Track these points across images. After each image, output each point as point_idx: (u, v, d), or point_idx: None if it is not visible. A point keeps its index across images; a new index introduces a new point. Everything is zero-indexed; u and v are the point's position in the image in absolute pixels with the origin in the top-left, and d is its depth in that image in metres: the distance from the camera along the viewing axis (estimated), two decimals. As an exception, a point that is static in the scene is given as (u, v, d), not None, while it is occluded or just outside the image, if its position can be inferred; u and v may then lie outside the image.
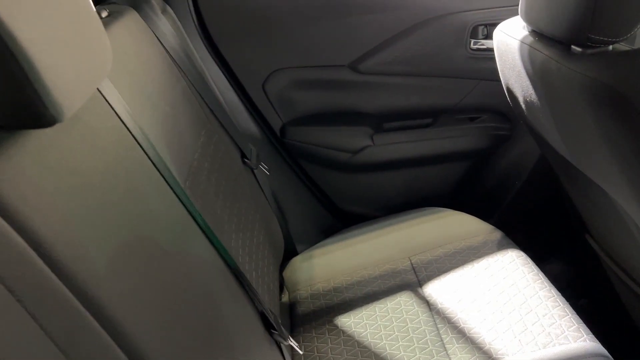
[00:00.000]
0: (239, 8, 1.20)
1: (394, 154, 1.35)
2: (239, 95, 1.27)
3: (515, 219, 1.40)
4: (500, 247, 1.05)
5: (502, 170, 1.40)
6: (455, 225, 1.15)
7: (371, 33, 1.22)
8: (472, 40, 1.21)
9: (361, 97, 1.30)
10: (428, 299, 0.97)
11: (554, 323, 0.84)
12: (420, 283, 1.01)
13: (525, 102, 0.90)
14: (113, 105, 0.60)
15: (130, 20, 0.81)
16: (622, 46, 0.73)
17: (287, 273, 1.13)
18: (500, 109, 1.30)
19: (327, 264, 1.13)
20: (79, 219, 0.46)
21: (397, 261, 1.08)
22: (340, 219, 1.44)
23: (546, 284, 0.94)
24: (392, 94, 1.30)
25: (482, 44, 1.21)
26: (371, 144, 1.31)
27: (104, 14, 0.77)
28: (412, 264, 1.06)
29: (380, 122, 1.33)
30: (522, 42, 0.83)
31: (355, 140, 1.32)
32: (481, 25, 1.19)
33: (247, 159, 1.07)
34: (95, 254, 0.46)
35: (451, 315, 0.92)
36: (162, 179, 0.64)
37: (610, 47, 0.70)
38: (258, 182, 1.09)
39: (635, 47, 1.14)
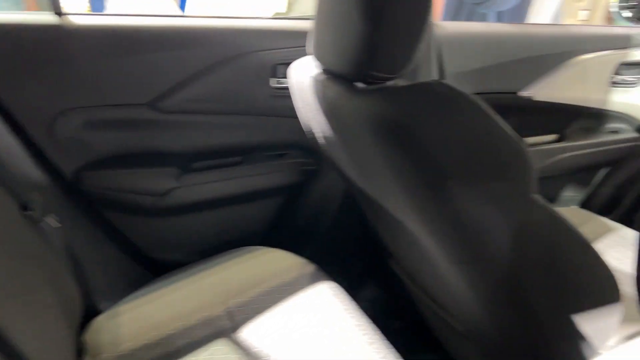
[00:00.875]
0: (16, 44, 1.07)
1: (205, 194, 1.30)
2: (20, 140, 1.11)
3: (328, 250, 1.44)
4: (313, 280, 1.06)
5: (313, 204, 1.43)
6: (270, 262, 1.14)
7: (170, 71, 1.17)
8: (274, 79, 1.23)
9: (165, 137, 1.24)
10: (243, 344, 0.93)
11: (364, 351, 0.86)
12: (236, 328, 0.97)
13: (323, 137, 0.92)
14: None
15: None
16: (401, 81, 0.78)
17: (88, 336, 1.00)
18: (306, 144, 1.34)
19: (136, 319, 1.02)
20: None
21: (212, 307, 1.02)
22: (150, 268, 1.34)
23: (357, 313, 0.97)
24: (199, 132, 1.26)
25: (283, 83, 1.23)
26: (178, 185, 1.25)
27: None
28: (227, 309, 1.02)
29: (188, 162, 1.28)
30: (315, 79, 0.86)
31: (160, 183, 1.24)
32: (281, 64, 1.22)
33: (30, 210, 0.93)
34: None
35: (266, 358, 0.89)
36: None
37: (391, 82, 0.75)
38: (45, 236, 0.96)
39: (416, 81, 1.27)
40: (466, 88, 1.45)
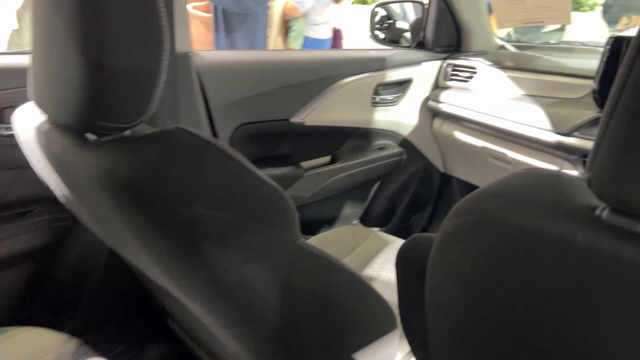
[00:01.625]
0: None
1: None
2: None
3: (97, 316, 1.26)
4: (75, 359, 0.90)
5: (73, 265, 1.23)
6: (19, 346, 0.94)
7: None
8: (2, 125, 1.02)
9: None
10: None
11: None
12: None
13: (61, 194, 0.78)
14: None
15: None
16: (144, 128, 0.68)
17: None
18: (55, 196, 1.15)
19: None
20: None
21: None
22: None
23: None
24: None
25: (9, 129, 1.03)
26: None
27: None
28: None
29: None
30: (39, 129, 0.71)
31: None
32: (7, 108, 1.01)
33: None
34: None
35: None
36: None
37: (128, 132, 0.65)
38: None
39: (177, 121, 1.17)
40: (235, 119, 1.40)
